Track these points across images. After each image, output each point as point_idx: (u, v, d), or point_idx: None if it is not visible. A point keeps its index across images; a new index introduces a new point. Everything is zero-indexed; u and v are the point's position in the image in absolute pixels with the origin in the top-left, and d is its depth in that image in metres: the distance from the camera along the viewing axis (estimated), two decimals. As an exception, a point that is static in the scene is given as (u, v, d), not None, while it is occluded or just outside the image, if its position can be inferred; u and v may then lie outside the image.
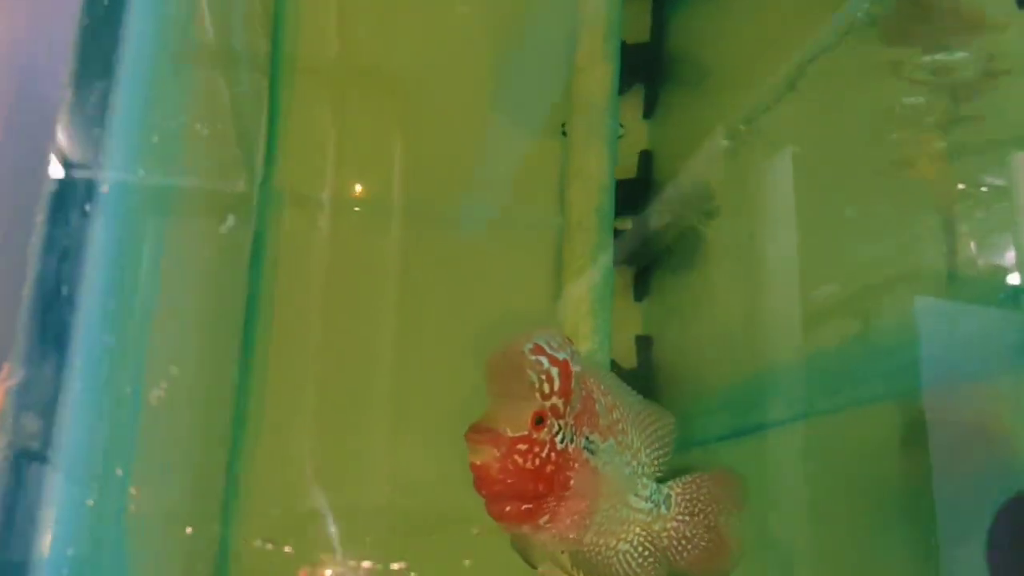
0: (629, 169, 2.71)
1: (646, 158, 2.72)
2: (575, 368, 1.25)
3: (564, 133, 2.23)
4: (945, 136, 1.88)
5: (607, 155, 2.08)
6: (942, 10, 1.85)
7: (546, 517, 1.25)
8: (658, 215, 2.71)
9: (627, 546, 1.38)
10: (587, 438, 1.31)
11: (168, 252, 1.94)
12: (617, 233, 2.79)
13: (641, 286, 2.77)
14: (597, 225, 2.04)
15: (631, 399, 1.43)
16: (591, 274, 2.01)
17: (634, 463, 1.38)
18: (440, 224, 2.32)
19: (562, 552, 1.38)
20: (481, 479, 1.21)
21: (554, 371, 1.23)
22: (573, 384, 1.25)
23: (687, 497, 1.40)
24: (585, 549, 1.34)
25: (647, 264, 2.75)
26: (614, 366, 2.69)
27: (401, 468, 2.17)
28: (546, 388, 1.22)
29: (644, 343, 2.73)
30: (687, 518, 1.40)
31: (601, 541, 1.35)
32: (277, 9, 2.37)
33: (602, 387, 1.37)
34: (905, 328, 1.75)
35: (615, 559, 1.37)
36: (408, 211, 2.38)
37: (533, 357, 1.22)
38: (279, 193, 2.31)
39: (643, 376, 2.70)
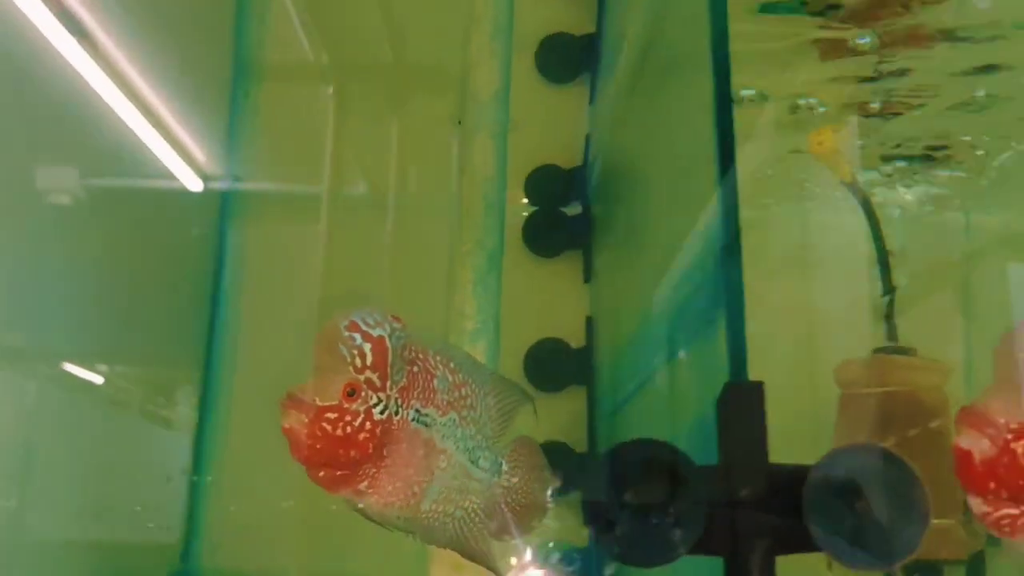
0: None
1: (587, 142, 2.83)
2: (394, 345, 1.37)
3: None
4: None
5: (493, 148, 2.20)
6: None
7: (365, 483, 1.37)
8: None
9: (462, 512, 1.48)
10: (417, 411, 1.43)
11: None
12: (568, 218, 2.94)
13: (588, 269, 2.87)
14: (483, 212, 2.16)
15: (484, 377, 1.54)
16: (476, 258, 2.13)
17: (479, 437, 1.49)
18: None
19: (396, 517, 1.50)
20: (292, 444, 1.32)
21: (367, 347, 1.35)
22: (391, 360, 1.37)
23: (511, 463, 1.52)
24: (423, 515, 1.45)
25: (592, 248, 2.85)
26: (562, 345, 2.80)
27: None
28: (358, 362, 1.34)
29: (589, 323, 2.83)
30: (511, 482, 1.51)
31: (440, 508, 1.45)
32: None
33: (451, 365, 1.49)
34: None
35: (452, 524, 1.48)
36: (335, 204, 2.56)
37: (347, 333, 1.34)
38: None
39: (588, 354, 2.80)
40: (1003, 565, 2.47)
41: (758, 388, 1.12)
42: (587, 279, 2.87)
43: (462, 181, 2.18)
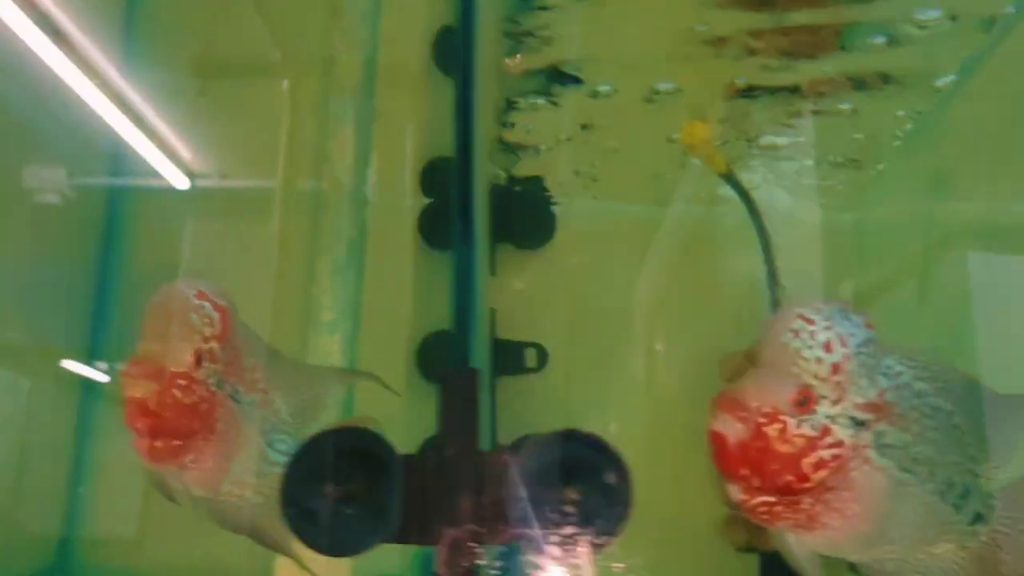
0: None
1: (488, 135, 2.82)
2: (234, 318, 1.36)
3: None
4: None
5: (352, 137, 2.21)
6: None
7: (192, 457, 1.34)
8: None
9: (261, 499, 1.47)
10: (235, 388, 1.42)
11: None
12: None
13: (494, 261, 2.87)
14: (342, 202, 2.17)
15: (284, 366, 1.53)
16: (335, 248, 2.14)
17: (275, 420, 1.48)
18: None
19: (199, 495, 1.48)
20: (137, 412, 1.29)
21: (216, 316, 1.33)
22: (230, 332, 1.35)
23: None
24: (221, 497, 1.44)
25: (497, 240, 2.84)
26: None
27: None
28: (207, 331, 1.33)
29: (492, 314, 2.83)
30: None
31: (236, 491, 1.44)
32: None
33: (249, 348, 1.49)
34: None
35: (247, 509, 1.47)
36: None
37: (197, 301, 1.33)
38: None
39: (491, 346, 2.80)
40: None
41: (472, 375, 1.12)
42: (492, 271, 2.88)
43: (322, 172, 2.20)
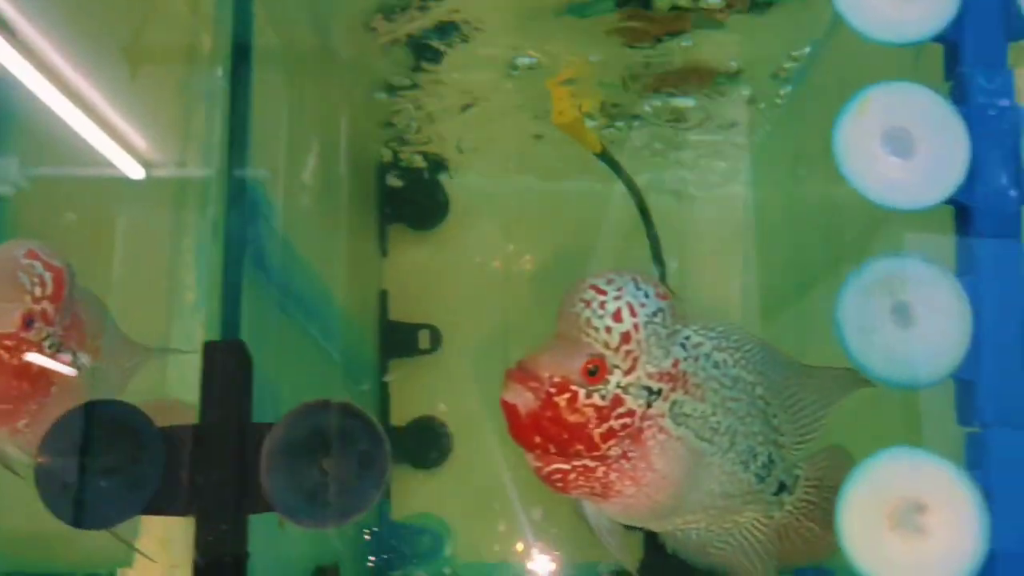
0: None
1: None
2: (70, 280, 1.32)
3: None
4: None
5: (218, 115, 2.18)
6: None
7: (25, 421, 1.32)
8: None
9: None
10: (74, 352, 1.40)
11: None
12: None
13: (385, 242, 2.86)
14: (206, 180, 2.15)
15: (118, 334, 1.52)
16: (199, 227, 2.12)
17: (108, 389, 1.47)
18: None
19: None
20: None
21: (48, 276, 1.30)
22: (66, 294, 1.32)
23: None
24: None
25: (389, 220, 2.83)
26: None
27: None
28: (37, 291, 1.29)
29: (383, 296, 2.82)
30: None
31: None
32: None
33: (92, 314, 1.47)
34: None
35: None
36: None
37: (27, 260, 1.29)
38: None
39: (381, 328, 2.79)
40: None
41: (237, 346, 1.11)
42: (384, 252, 2.87)
43: (186, 150, 2.17)
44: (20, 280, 1.27)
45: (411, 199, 2.82)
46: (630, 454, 1.19)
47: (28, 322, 1.25)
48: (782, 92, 2.29)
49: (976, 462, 1.13)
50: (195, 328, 2.04)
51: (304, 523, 1.07)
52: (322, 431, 1.07)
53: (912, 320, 1.13)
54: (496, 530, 2.43)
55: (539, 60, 2.22)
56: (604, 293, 1.16)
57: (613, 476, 1.20)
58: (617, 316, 1.15)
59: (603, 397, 1.16)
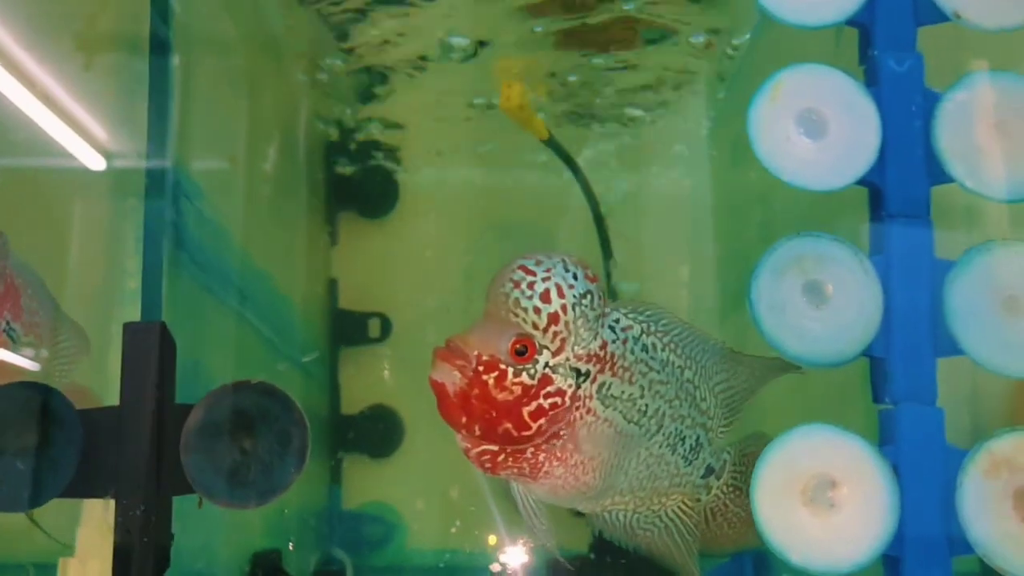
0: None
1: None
2: (3, 247, 1.31)
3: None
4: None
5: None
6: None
7: None
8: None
9: None
10: (9, 323, 1.39)
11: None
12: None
13: (335, 231, 2.85)
14: (132, 167, 2.14)
15: (58, 313, 1.52)
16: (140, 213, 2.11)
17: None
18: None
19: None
20: None
21: None
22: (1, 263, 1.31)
23: None
24: None
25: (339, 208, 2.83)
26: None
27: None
28: None
29: (332, 285, 2.82)
30: None
31: None
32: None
33: (30, 291, 1.46)
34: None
35: None
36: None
37: None
38: None
39: (331, 317, 2.79)
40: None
41: (156, 328, 1.11)
42: (334, 241, 2.87)
43: (131, 139, 2.15)
44: None
45: (361, 187, 2.82)
46: (559, 435, 1.20)
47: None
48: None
49: (888, 438, 1.15)
50: (137, 315, 2.03)
51: (223, 503, 1.07)
52: (242, 411, 1.08)
53: (824, 299, 1.16)
54: (449, 518, 2.44)
55: (478, 53, 2.23)
56: (533, 274, 1.16)
57: (541, 456, 1.21)
58: (545, 297, 1.16)
59: (531, 376, 1.16)
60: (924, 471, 1.15)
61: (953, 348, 1.16)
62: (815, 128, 1.19)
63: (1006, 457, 1.13)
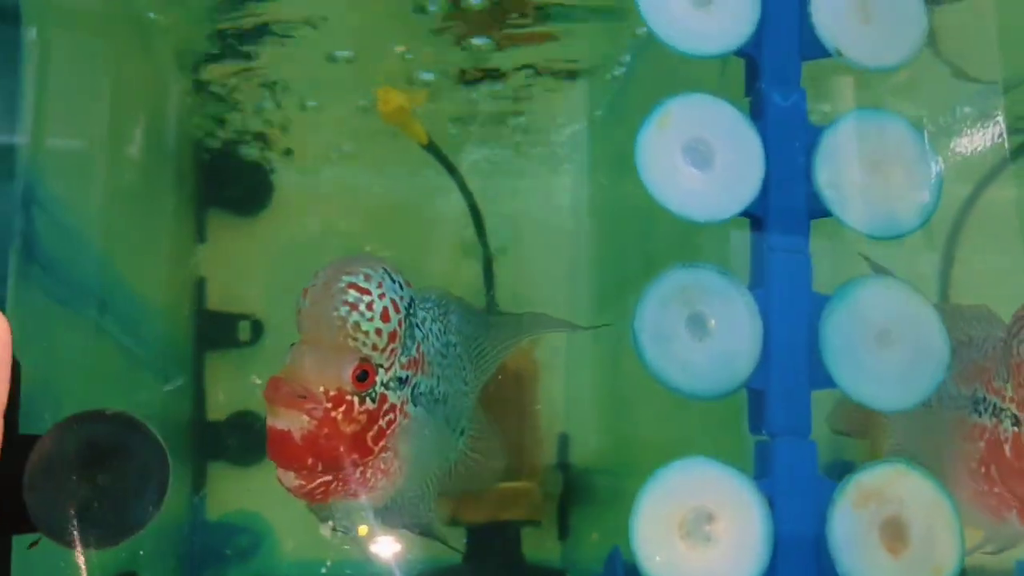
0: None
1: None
2: None
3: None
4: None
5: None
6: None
7: None
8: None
9: None
10: None
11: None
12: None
13: (203, 227, 2.73)
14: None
15: None
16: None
17: None
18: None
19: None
20: None
21: None
22: None
23: None
24: None
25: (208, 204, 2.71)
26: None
27: None
28: None
29: (199, 285, 2.70)
30: None
31: None
32: None
33: None
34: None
35: None
36: None
37: None
38: None
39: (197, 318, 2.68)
40: (585, 524, 2.56)
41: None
42: (202, 238, 2.75)
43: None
44: None
45: (232, 183, 2.71)
46: (386, 447, 1.15)
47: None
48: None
49: (764, 470, 1.16)
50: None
51: (70, 545, 0.99)
52: (95, 443, 1.00)
53: (707, 331, 1.16)
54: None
55: (356, 54, 2.17)
56: (368, 292, 1.09)
57: (369, 473, 1.15)
58: (384, 316, 1.10)
59: (373, 400, 1.11)
60: (798, 503, 1.16)
61: (828, 381, 1.18)
62: (702, 158, 1.19)
63: (875, 489, 1.16)
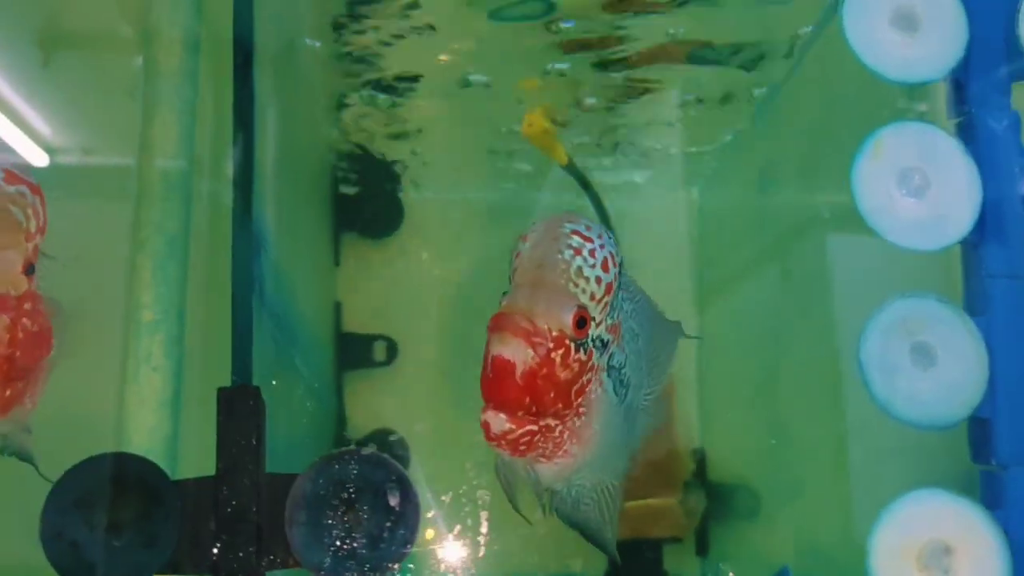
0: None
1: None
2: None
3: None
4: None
5: (176, 124, 2.09)
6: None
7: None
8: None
9: None
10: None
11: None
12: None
13: (338, 251, 2.79)
14: (163, 195, 2.06)
15: None
16: (155, 243, 2.03)
17: None
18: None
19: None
20: None
21: (37, 201, 1.09)
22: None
23: None
24: None
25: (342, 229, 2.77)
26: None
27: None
28: (32, 226, 1.09)
29: (336, 308, 2.76)
30: None
31: None
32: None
33: None
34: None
35: None
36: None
37: (12, 187, 1.07)
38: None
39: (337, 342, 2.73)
40: (724, 540, 2.54)
41: (255, 393, 1.06)
42: (336, 262, 2.81)
43: (140, 160, 2.07)
44: (14, 215, 1.01)
45: (366, 207, 2.77)
46: (581, 411, 1.10)
47: (29, 270, 1.03)
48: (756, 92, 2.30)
49: (995, 502, 1.15)
50: (154, 348, 1.95)
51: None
52: (349, 482, 1.03)
53: (932, 361, 1.15)
54: (470, 549, 2.39)
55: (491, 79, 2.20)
56: (590, 240, 1.07)
57: (566, 435, 1.11)
58: (604, 266, 1.07)
59: (585, 351, 1.07)
60: (1030, 532, 1.15)
61: (1056, 410, 1.17)
62: (916, 187, 1.19)
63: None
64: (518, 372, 1.03)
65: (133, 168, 2.07)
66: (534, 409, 1.05)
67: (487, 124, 2.49)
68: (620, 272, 1.10)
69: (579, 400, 1.08)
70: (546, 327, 1.03)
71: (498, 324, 1.03)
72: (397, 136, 2.58)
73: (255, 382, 1.14)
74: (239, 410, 1.06)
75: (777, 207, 2.14)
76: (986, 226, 1.20)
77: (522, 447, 1.08)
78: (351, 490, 1.04)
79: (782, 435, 2.21)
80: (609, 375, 1.14)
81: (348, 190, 2.78)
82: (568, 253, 1.06)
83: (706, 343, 2.47)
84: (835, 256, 1.85)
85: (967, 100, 1.24)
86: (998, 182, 1.20)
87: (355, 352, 2.73)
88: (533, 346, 1.03)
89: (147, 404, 1.85)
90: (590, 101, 2.41)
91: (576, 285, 1.06)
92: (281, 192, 1.78)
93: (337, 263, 2.77)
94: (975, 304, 1.20)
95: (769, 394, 2.25)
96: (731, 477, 2.53)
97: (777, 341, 2.25)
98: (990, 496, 1.16)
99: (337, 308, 2.74)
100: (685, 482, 2.50)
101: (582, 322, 1.06)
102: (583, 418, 1.11)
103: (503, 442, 1.08)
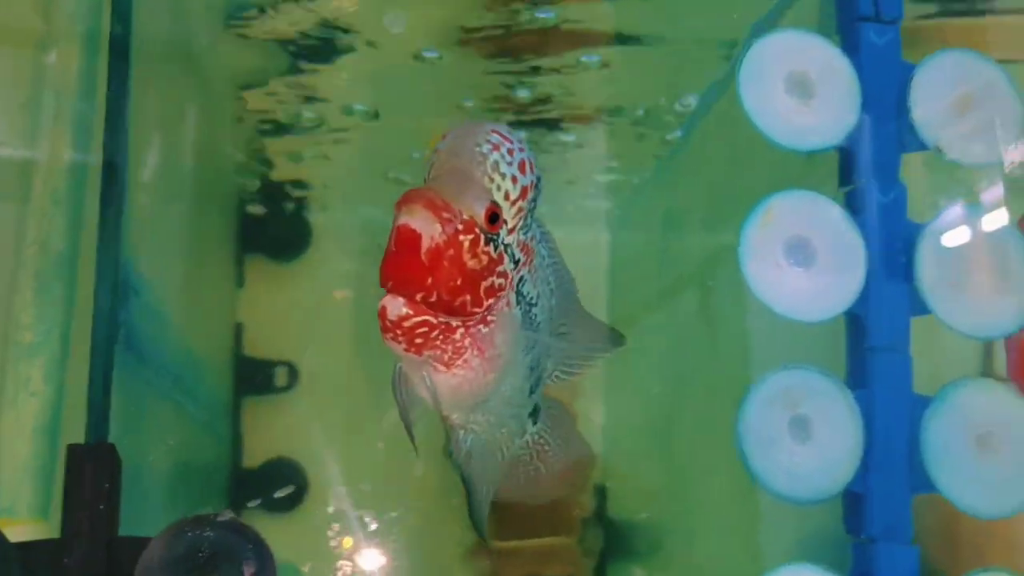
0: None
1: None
2: None
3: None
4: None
5: (69, 139, 2.01)
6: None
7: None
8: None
9: None
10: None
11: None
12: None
13: (242, 273, 2.72)
14: (50, 212, 1.97)
15: None
16: (38, 261, 1.94)
17: None
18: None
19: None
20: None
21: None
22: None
23: None
24: None
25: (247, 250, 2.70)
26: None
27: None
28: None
29: (237, 331, 2.68)
30: None
31: None
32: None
33: None
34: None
35: None
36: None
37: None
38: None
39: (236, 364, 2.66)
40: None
41: (109, 449, 1.01)
42: (240, 283, 2.74)
43: (28, 170, 1.98)
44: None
45: (271, 228, 2.70)
46: (488, 320, 1.07)
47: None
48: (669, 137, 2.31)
49: (863, 574, 1.15)
50: (32, 372, 1.86)
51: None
52: (204, 548, 0.98)
53: (809, 434, 1.15)
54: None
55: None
56: (510, 140, 1.05)
57: (467, 342, 1.06)
58: (522, 168, 1.04)
59: (495, 248, 1.04)
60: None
61: (928, 485, 1.17)
62: (804, 256, 1.18)
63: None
64: (423, 247, 0.97)
65: (16, 180, 1.99)
66: (435, 296, 1.00)
67: (394, 150, 2.46)
68: (537, 189, 1.07)
69: (487, 302, 1.04)
70: (458, 208, 1.00)
71: (407, 198, 0.98)
72: (304, 158, 2.53)
73: (114, 436, 1.09)
74: (89, 469, 1.00)
75: (679, 251, 2.15)
76: (869, 299, 1.21)
77: (418, 339, 1.03)
78: (205, 557, 0.99)
79: (683, 474, 2.21)
80: (519, 303, 1.11)
81: (255, 210, 2.72)
82: (487, 147, 1.03)
83: (613, 377, 2.47)
84: (737, 299, 1.86)
85: (856, 170, 1.24)
86: (885, 256, 1.21)
87: (255, 377, 2.67)
88: (442, 221, 0.98)
89: (23, 432, 1.76)
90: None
91: (492, 180, 1.03)
92: (169, 211, 1.70)
93: (240, 284, 2.70)
94: (856, 377, 1.20)
95: (671, 432, 2.25)
96: (631, 515, 2.53)
97: (680, 380, 2.26)
98: (861, 567, 1.16)
99: (238, 331, 2.67)
100: (583, 519, 2.49)
101: (494, 217, 1.03)
102: (488, 328, 1.07)
103: (398, 331, 1.02)
